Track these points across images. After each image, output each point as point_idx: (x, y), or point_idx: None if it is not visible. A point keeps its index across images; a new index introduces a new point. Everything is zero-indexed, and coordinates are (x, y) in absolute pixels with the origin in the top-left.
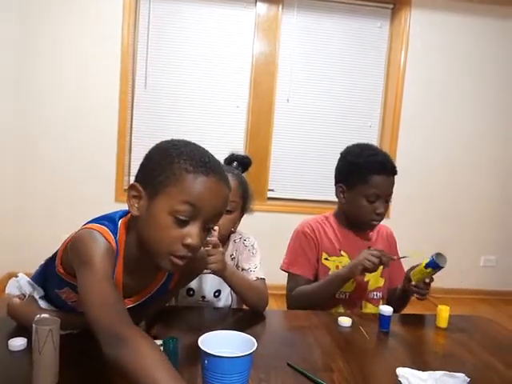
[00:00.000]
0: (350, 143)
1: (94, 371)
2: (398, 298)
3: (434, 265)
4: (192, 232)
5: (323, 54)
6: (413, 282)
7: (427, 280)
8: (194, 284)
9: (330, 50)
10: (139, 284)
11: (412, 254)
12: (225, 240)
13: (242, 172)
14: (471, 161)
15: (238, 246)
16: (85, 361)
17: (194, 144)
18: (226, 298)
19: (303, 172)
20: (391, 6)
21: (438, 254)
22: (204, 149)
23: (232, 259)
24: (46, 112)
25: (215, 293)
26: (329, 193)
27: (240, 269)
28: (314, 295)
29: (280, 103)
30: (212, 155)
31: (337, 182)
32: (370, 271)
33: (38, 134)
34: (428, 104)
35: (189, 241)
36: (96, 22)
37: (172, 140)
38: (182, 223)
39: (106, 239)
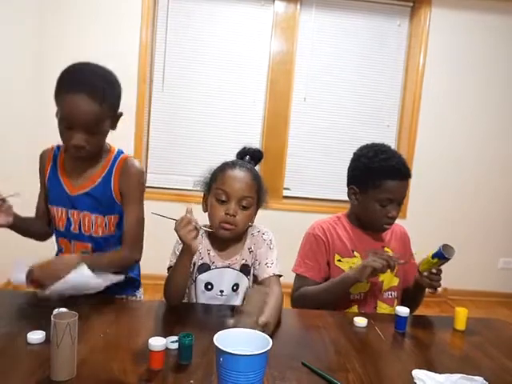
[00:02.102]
0: (367, 143)
1: (111, 365)
2: (412, 292)
3: (441, 255)
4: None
5: (341, 52)
6: (425, 273)
7: (434, 270)
8: (212, 278)
9: (348, 49)
10: (81, 174)
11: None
12: (242, 234)
13: (254, 165)
14: (491, 161)
15: (257, 240)
16: (101, 355)
17: None
18: (244, 293)
19: (319, 171)
20: (411, 5)
21: (446, 245)
22: None
23: (250, 252)
24: None
25: (233, 287)
26: (346, 192)
27: (258, 263)
28: (318, 296)
29: (297, 102)
30: None
31: (349, 183)
32: (380, 272)
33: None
34: (447, 103)
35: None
36: (114, 23)
37: None
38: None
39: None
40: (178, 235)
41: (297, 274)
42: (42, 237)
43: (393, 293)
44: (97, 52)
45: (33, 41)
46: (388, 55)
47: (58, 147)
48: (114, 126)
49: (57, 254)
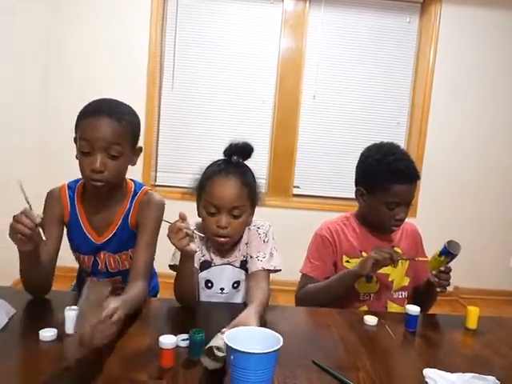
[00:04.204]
0: (377, 141)
1: (121, 363)
2: (423, 292)
3: (447, 252)
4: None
5: (350, 50)
6: (433, 272)
7: (442, 268)
8: (211, 276)
9: (358, 46)
10: (104, 219)
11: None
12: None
13: (244, 160)
14: (502, 159)
15: (252, 234)
16: (112, 352)
17: None
18: (245, 290)
19: (329, 169)
20: (421, 1)
21: (451, 242)
22: None
23: (247, 247)
24: (74, 113)
25: (234, 284)
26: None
27: (249, 256)
28: (321, 293)
29: (306, 100)
30: None
31: (356, 184)
32: (382, 264)
33: (65, 134)
34: (457, 101)
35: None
36: (123, 23)
37: None
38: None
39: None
40: (171, 243)
41: (302, 274)
42: (43, 288)
43: (403, 293)
44: (106, 50)
45: (40, 43)
46: (398, 52)
47: (71, 188)
48: (133, 161)
49: (80, 288)
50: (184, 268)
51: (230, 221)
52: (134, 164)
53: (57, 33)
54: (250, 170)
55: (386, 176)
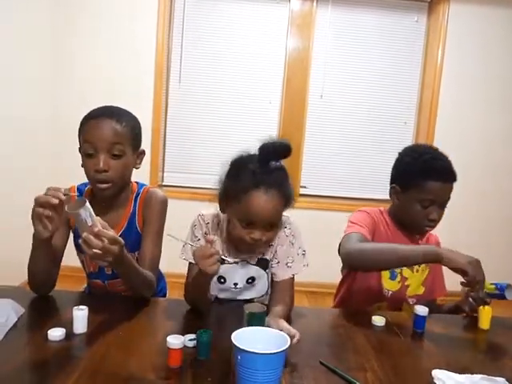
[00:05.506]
0: (385, 140)
1: (129, 362)
2: (444, 313)
3: (500, 289)
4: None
5: (358, 49)
6: (472, 294)
7: (480, 295)
8: (225, 273)
9: (365, 46)
10: (109, 221)
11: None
12: None
13: (281, 159)
14: (509, 158)
15: (281, 235)
16: (120, 352)
17: None
18: (262, 288)
19: (336, 169)
20: (429, 0)
21: (509, 286)
22: None
23: (269, 246)
24: (81, 111)
25: (248, 279)
26: (362, 190)
27: (277, 261)
28: (380, 253)
29: (313, 99)
30: None
31: (391, 182)
32: (469, 276)
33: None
34: (466, 101)
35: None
36: (131, 18)
37: None
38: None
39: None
40: (198, 265)
41: (351, 233)
42: (48, 285)
43: (413, 300)
44: (113, 48)
45: (46, 47)
46: (405, 51)
47: (80, 190)
48: (137, 164)
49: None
50: (202, 281)
51: (265, 233)
52: (137, 167)
53: (61, 34)
54: (286, 172)
55: (421, 172)
